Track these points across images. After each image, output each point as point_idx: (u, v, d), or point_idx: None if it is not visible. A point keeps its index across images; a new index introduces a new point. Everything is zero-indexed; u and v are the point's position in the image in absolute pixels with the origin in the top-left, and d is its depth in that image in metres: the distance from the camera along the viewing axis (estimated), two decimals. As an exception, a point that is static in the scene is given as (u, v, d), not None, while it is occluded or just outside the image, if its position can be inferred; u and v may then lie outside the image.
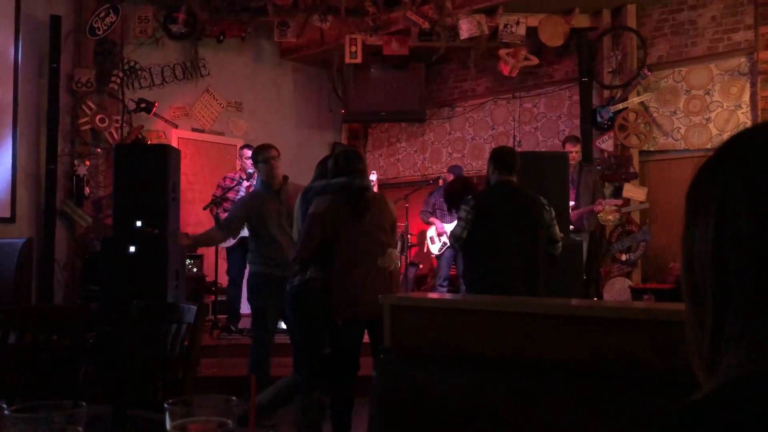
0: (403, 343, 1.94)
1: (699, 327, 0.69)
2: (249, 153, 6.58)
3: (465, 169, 8.68)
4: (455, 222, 4.13)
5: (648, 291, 6.67)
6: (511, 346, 1.82)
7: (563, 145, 6.80)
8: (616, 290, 6.99)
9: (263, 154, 4.56)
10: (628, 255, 7.13)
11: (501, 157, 4.22)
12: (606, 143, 7.34)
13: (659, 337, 1.64)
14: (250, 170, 6.51)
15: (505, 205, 4.09)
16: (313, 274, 3.60)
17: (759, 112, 6.68)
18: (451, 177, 7.00)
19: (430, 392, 1.64)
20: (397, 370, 1.72)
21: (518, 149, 8.08)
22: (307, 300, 3.63)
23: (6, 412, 0.96)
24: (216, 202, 6.44)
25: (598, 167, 7.12)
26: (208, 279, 7.15)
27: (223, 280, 6.64)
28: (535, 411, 1.54)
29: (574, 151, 6.52)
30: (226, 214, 6.44)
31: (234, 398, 0.98)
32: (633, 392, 1.50)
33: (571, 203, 6.20)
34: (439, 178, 8.75)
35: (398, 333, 1.96)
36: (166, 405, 0.95)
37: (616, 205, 6.84)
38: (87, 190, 6.87)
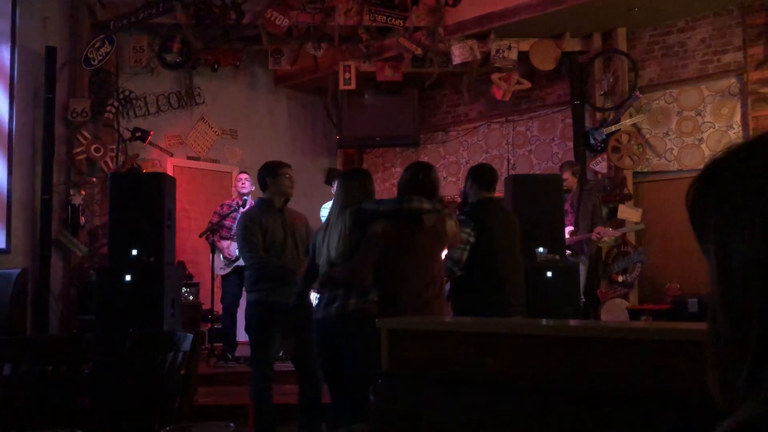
0: (400, 367, 1.93)
1: (737, 345, 0.64)
2: (241, 177, 6.60)
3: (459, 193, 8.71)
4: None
5: (645, 312, 6.67)
6: (510, 368, 1.81)
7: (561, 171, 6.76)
8: (614, 312, 6.98)
9: (278, 169, 4.35)
10: (624, 276, 7.13)
11: (483, 174, 4.22)
12: (600, 165, 7.38)
13: (658, 358, 1.64)
14: (245, 191, 6.51)
15: (496, 222, 4.11)
16: (374, 297, 3.41)
17: (750, 132, 6.73)
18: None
19: (428, 416, 1.63)
20: (395, 394, 1.71)
21: (513, 172, 8.13)
22: (369, 325, 3.28)
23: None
24: (212, 230, 6.44)
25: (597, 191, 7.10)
26: (204, 307, 7.12)
27: (219, 307, 6.62)
28: (534, 433, 1.53)
29: (568, 178, 6.45)
30: (222, 242, 6.45)
31: (232, 424, 0.98)
32: (632, 414, 1.50)
33: (570, 228, 6.20)
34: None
35: (396, 357, 1.95)
36: (164, 431, 0.94)
37: (614, 237, 6.79)
38: (82, 219, 6.86)
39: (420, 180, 3.55)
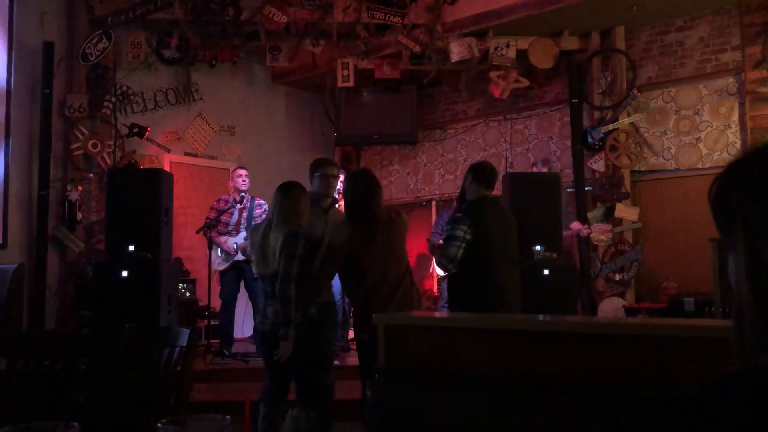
0: (397, 363, 1.93)
1: (764, 335, 0.68)
2: (242, 173, 6.60)
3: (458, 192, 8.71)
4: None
5: (642, 310, 6.68)
6: (507, 363, 1.81)
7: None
8: (610, 310, 7.00)
9: (322, 169, 4.19)
10: (621, 275, 7.14)
11: (483, 172, 4.27)
12: (597, 164, 7.39)
13: (656, 352, 1.64)
14: (244, 188, 6.51)
15: (493, 220, 4.15)
16: (313, 311, 3.80)
17: (748, 132, 6.74)
18: None
19: (425, 411, 1.63)
20: (392, 389, 1.71)
21: (510, 170, 8.13)
22: (314, 333, 3.81)
23: (-3, 433, 0.95)
24: (210, 225, 6.43)
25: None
26: (201, 303, 7.11)
27: (217, 304, 6.61)
28: (530, 428, 1.53)
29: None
30: (220, 237, 6.44)
31: (227, 417, 0.98)
32: (630, 408, 1.50)
33: None
34: (431, 200, 8.77)
35: (392, 352, 1.95)
36: (159, 425, 0.94)
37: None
38: (79, 215, 6.85)
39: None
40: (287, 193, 3.77)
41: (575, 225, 6.87)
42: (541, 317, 2.01)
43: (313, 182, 4.21)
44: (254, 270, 3.87)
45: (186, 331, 2.81)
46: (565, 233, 6.34)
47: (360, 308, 3.83)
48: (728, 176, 0.71)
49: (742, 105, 6.85)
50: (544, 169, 7.51)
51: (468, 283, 4.04)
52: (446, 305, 7.09)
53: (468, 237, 3.97)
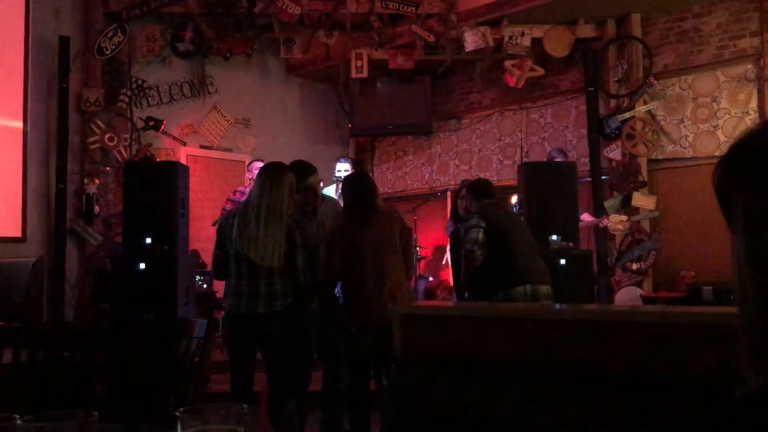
0: (413, 353, 1.93)
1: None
2: (258, 165, 6.61)
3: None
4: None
5: (660, 300, 6.64)
6: (523, 352, 1.81)
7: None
8: (627, 299, 6.96)
9: (305, 182, 4.06)
10: (638, 264, 7.09)
11: (479, 188, 4.50)
12: (614, 152, 7.33)
13: (673, 342, 1.63)
14: None
15: (504, 215, 4.42)
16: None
17: (767, 118, 6.66)
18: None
19: (441, 401, 1.63)
20: (408, 379, 1.71)
21: (526, 159, 8.10)
22: (297, 317, 3.85)
23: (18, 421, 0.96)
24: (225, 218, 6.45)
25: None
26: (218, 295, 7.15)
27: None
28: (547, 417, 1.53)
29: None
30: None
31: (246, 405, 0.98)
32: (647, 397, 1.49)
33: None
34: (446, 190, 8.75)
35: (408, 342, 1.95)
36: (177, 413, 0.94)
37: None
38: (97, 208, 6.90)
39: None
40: (276, 180, 3.62)
41: (586, 216, 6.80)
42: (557, 306, 2.00)
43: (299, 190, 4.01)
44: (252, 256, 3.55)
45: (203, 322, 2.83)
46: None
47: (350, 297, 3.88)
48: (730, 159, 0.69)
49: (760, 91, 6.76)
50: (561, 159, 7.47)
51: (496, 267, 4.08)
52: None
53: (483, 224, 4.07)
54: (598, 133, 7.29)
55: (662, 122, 7.33)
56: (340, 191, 6.30)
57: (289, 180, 3.65)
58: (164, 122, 7.44)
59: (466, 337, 1.88)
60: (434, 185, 9.25)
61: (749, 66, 6.86)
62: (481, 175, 8.77)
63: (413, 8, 7.32)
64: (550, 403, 1.55)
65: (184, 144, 7.87)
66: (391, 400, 1.70)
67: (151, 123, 7.35)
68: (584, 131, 7.61)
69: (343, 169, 6.45)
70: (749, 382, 0.65)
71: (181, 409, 0.95)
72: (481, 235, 4.06)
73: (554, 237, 5.54)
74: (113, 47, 7.04)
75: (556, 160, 6.89)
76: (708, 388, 1.37)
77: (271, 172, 3.67)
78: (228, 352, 3.78)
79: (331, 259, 3.83)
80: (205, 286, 7.16)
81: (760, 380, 0.63)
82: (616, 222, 7.08)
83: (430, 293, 8.06)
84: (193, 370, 2.78)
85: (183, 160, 7.49)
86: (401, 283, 3.88)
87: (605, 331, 1.71)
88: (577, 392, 1.61)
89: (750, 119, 6.83)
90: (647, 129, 7.22)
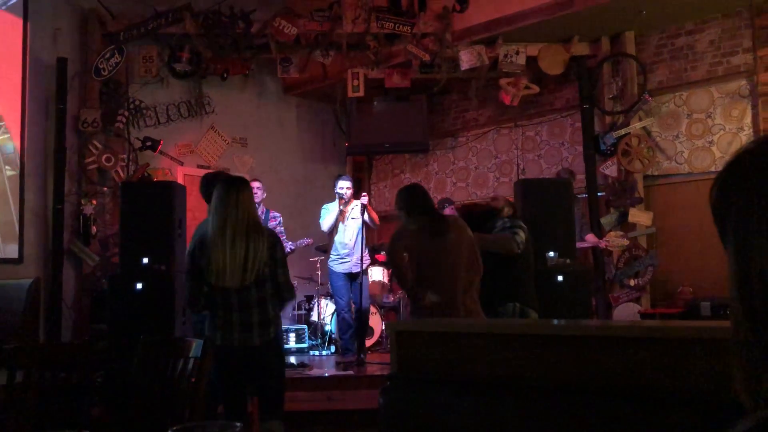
0: (409, 369, 1.93)
1: (760, 343, 0.65)
2: (255, 185, 6.64)
3: (470, 199, 8.70)
4: None
5: (657, 316, 6.63)
6: (518, 368, 1.80)
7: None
8: (626, 316, 6.95)
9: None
10: (636, 280, 7.09)
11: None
12: (610, 169, 7.36)
13: (668, 356, 1.63)
14: (258, 200, 6.55)
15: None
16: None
17: (761, 134, 6.69)
18: (449, 209, 6.93)
19: (437, 416, 1.62)
20: (404, 395, 1.70)
21: (522, 177, 8.12)
22: (278, 344, 3.78)
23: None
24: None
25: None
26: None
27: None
28: (543, 434, 1.52)
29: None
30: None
31: (238, 424, 0.98)
32: (642, 412, 1.49)
33: None
34: (444, 207, 8.77)
35: (404, 358, 1.95)
36: (171, 431, 0.95)
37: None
38: (94, 229, 6.90)
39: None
40: (244, 192, 3.37)
41: (590, 237, 6.79)
42: (554, 322, 2.00)
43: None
44: (227, 282, 3.28)
45: (200, 342, 2.83)
46: (578, 245, 6.30)
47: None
48: (724, 176, 0.69)
49: (754, 107, 6.80)
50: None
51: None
52: None
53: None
54: (594, 150, 7.33)
55: (657, 138, 7.36)
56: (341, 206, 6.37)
57: (249, 191, 3.44)
58: (161, 142, 7.46)
59: (461, 353, 1.88)
60: (431, 203, 9.25)
61: (743, 82, 6.90)
62: (478, 193, 8.79)
63: (409, 28, 7.38)
64: (544, 418, 1.55)
65: (182, 164, 7.88)
66: (386, 416, 1.70)
67: (149, 143, 7.36)
68: (580, 148, 7.64)
69: (345, 186, 6.49)
70: (746, 408, 0.65)
71: (175, 428, 0.95)
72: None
73: (551, 253, 5.54)
74: (111, 68, 7.08)
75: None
76: (702, 402, 1.37)
77: (230, 184, 3.41)
78: (218, 383, 3.42)
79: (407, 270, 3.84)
80: (202, 305, 7.13)
81: (760, 404, 0.62)
82: (615, 241, 7.08)
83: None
84: (190, 390, 2.77)
85: (180, 180, 7.50)
86: (475, 300, 3.86)
87: (602, 347, 1.71)
88: (575, 408, 1.61)
89: (744, 135, 6.86)
90: (643, 145, 7.25)
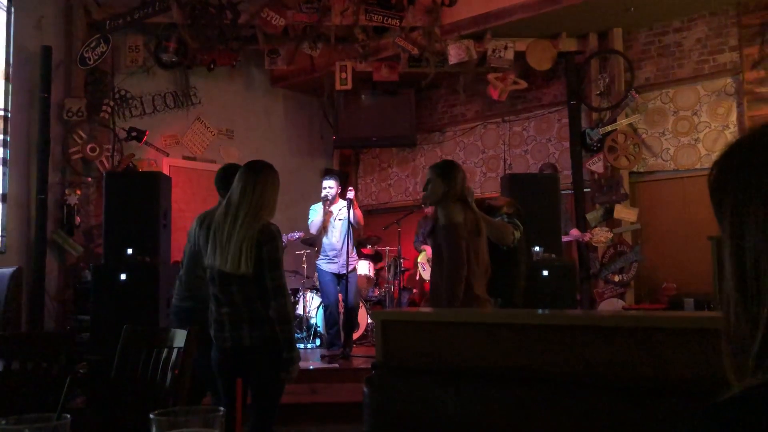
0: (394, 359, 1.92)
1: (749, 323, 0.65)
2: None
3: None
4: None
5: (641, 311, 6.68)
6: (504, 358, 1.80)
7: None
8: (610, 311, 6.99)
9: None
10: (620, 276, 7.13)
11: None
12: (596, 165, 7.39)
13: (652, 346, 1.63)
14: None
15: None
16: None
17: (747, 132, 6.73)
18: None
19: (422, 406, 1.62)
20: (389, 384, 1.70)
21: (509, 172, 8.13)
22: (275, 346, 3.37)
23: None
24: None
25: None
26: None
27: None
28: (529, 423, 1.52)
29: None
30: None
31: (221, 408, 0.97)
32: (628, 402, 1.49)
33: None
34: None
35: (389, 348, 1.94)
36: (151, 416, 0.93)
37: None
38: (78, 219, 6.84)
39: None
40: (260, 177, 3.24)
41: (574, 232, 6.88)
42: (539, 311, 2.00)
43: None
44: (210, 260, 3.11)
45: (183, 332, 2.80)
46: (564, 239, 6.34)
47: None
48: (725, 160, 0.70)
49: (740, 105, 6.85)
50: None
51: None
52: None
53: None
54: (581, 145, 7.36)
55: (644, 135, 7.40)
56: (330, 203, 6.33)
57: (270, 177, 3.30)
58: (147, 133, 7.40)
59: (447, 342, 1.87)
60: (418, 197, 9.26)
61: (729, 80, 6.95)
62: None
63: (397, 21, 7.36)
64: (531, 408, 1.55)
65: (167, 155, 7.83)
66: (372, 407, 1.69)
67: (134, 133, 7.31)
68: (567, 144, 7.66)
69: (327, 185, 6.41)
70: (733, 387, 0.65)
71: (156, 412, 0.94)
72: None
73: (537, 248, 5.57)
74: (96, 57, 7.01)
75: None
76: (691, 391, 1.38)
77: (251, 169, 3.29)
78: (215, 376, 3.24)
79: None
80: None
81: (744, 384, 0.63)
82: (600, 235, 7.12)
83: (414, 305, 8.05)
84: (174, 380, 2.75)
85: (166, 171, 7.45)
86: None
87: (587, 337, 1.71)
88: (559, 398, 1.61)
89: (730, 132, 6.91)
90: (629, 142, 7.29)
